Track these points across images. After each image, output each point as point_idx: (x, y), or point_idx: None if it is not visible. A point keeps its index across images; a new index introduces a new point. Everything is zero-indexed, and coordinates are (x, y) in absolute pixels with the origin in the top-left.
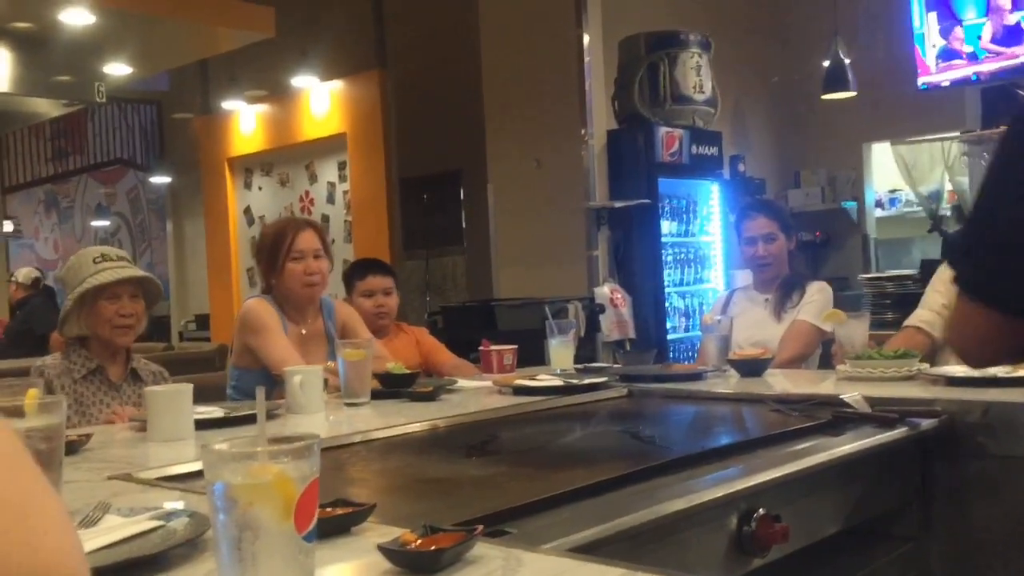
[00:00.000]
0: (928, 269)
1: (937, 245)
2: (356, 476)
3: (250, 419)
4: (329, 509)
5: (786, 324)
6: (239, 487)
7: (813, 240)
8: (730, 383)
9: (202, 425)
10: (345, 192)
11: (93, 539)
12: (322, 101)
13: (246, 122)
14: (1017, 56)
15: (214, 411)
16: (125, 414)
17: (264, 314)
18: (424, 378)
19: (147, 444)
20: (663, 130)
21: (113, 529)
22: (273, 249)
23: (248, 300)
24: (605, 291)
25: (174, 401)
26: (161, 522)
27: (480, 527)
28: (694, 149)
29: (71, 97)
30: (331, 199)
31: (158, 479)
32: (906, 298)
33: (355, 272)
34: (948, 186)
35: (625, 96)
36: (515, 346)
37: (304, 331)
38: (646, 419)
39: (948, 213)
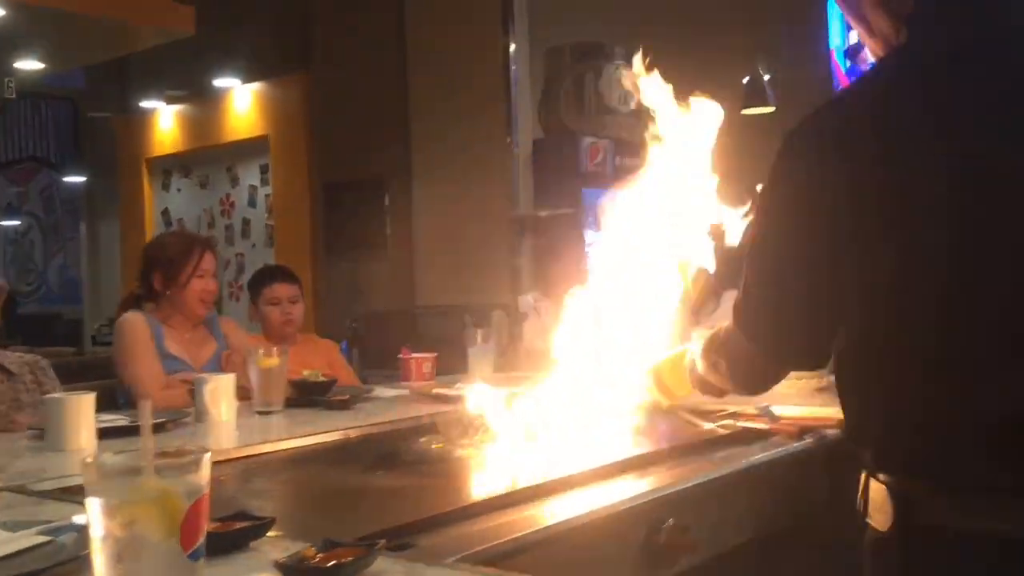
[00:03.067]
0: None
1: None
2: (261, 488)
3: (158, 428)
4: (228, 523)
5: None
6: (119, 503)
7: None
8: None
9: (105, 434)
10: (267, 195)
11: None
12: (244, 103)
13: (165, 122)
14: None
15: (118, 419)
16: (23, 421)
17: (130, 331)
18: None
19: (45, 454)
20: (587, 140)
21: None
22: (179, 262)
23: (123, 317)
24: (529, 299)
25: (74, 409)
26: (49, 537)
27: (382, 541)
28: (618, 160)
29: None
30: (252, 202)
31: (54, 491)
32: None
33: (260, 280)
34: None
35: (551, 106)
36: (435, 354)
37: (187, 335)
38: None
39: None
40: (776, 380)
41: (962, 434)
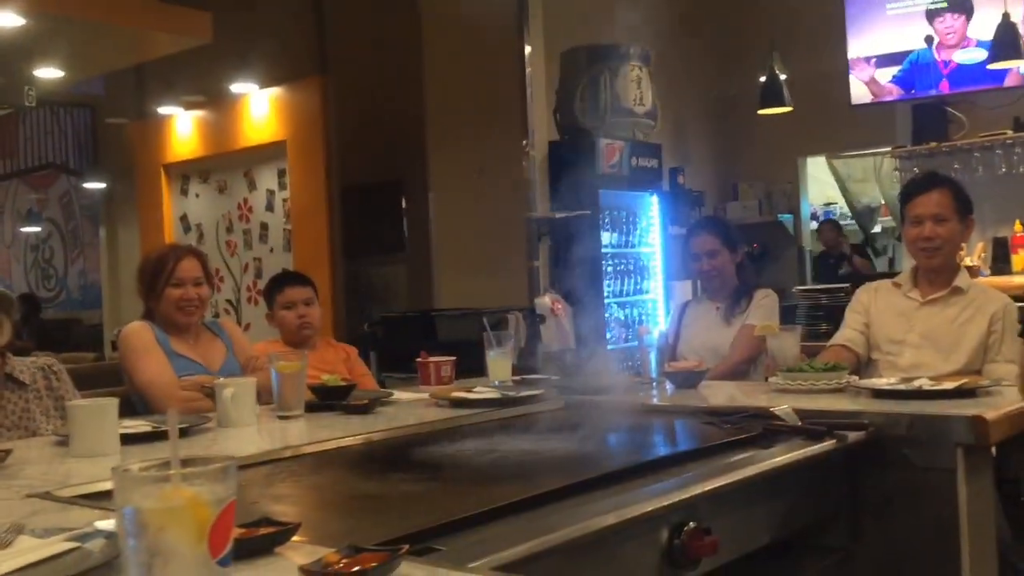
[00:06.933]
0: (857, 283)
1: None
2: (284, 492)
3: (181, 433)
4: (252, 529)
5: (735, 329)
6: (149, 511)
7: (750, 252)
8: (665, 395)
9: (128, 440)
10: (284, 200)
11: (4, 562)
12: (261, 108)
13: (183, 128)
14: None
15: (141, 425)
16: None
17: (135, 338)
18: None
19: (69, 460)
20: (604, 142)
21: (26, 551)
22: (154, 275)
23: (126, 326)
24: (546, 301)
25: (97, 415)
26: (77, 543)
27: (406, 546)
28: (634, 161)
29: None
30: (270, 207)
31: (78, 497)
32: (839, 310)
33: (274, 286)
34: (881, 200)
35: (566, 108)
36: (453, 357)
37: (192, 340)
38: (580, 432)
39: (879, 229)
40: None
41: None
